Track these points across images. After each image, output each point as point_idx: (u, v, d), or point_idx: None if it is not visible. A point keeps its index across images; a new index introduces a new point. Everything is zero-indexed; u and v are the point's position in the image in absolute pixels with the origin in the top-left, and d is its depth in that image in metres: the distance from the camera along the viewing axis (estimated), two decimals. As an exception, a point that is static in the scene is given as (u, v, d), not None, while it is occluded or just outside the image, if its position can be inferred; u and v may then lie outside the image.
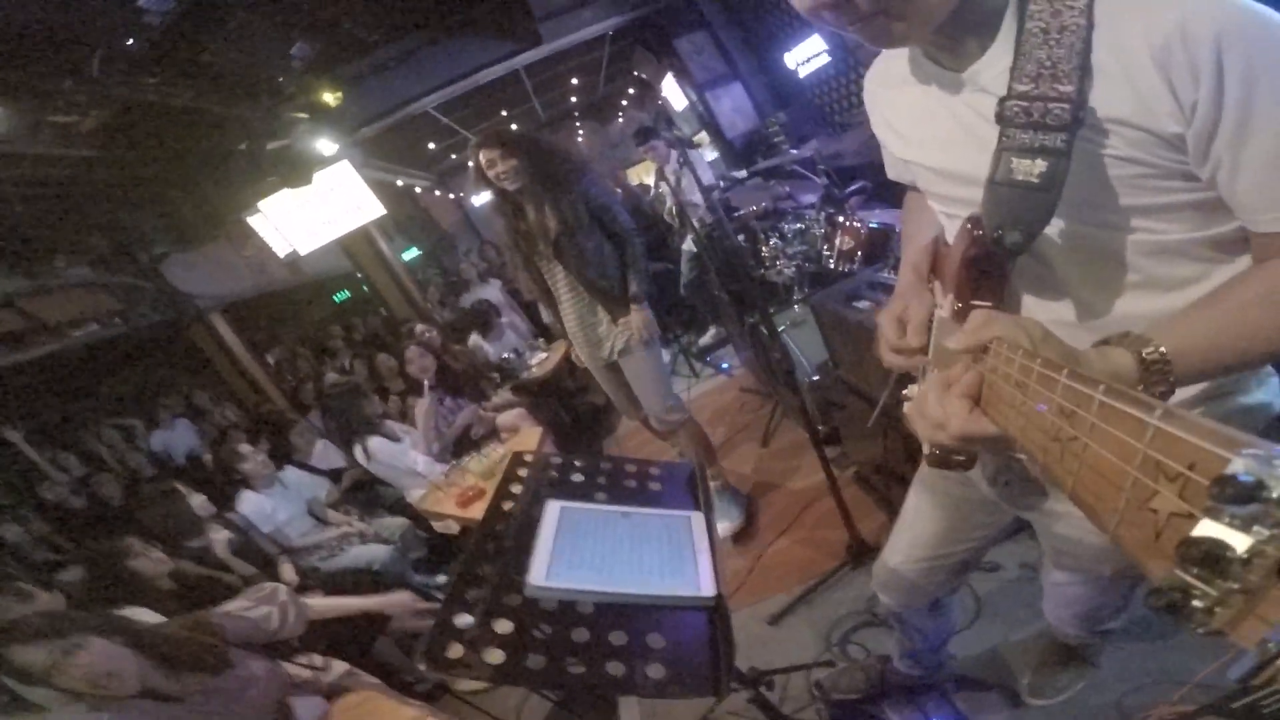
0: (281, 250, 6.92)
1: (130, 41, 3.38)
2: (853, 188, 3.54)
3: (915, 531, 1.21)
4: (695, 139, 7.13)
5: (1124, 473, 0.33)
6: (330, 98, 5.57)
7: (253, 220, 6.69)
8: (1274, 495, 0.25)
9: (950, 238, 0.86)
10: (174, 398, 6.10)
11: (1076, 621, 1.27)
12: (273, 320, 8.21)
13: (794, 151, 3.84)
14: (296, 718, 1.82)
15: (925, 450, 0.81)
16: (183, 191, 6.00)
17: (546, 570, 1.01)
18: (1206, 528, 0.27)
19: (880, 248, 2.70)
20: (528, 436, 3.76)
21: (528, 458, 1.41)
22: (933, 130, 0.81)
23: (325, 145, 6.21)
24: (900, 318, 0.90)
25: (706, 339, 5.05)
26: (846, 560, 2.09)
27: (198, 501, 3.24)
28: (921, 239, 0.96)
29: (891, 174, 1.02)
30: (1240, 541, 0.25)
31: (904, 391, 0.92)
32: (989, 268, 0.74)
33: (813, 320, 2.81)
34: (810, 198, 3.49)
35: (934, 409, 0.62)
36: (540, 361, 5.07)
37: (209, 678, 1.66)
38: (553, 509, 1.15)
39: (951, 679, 1.59)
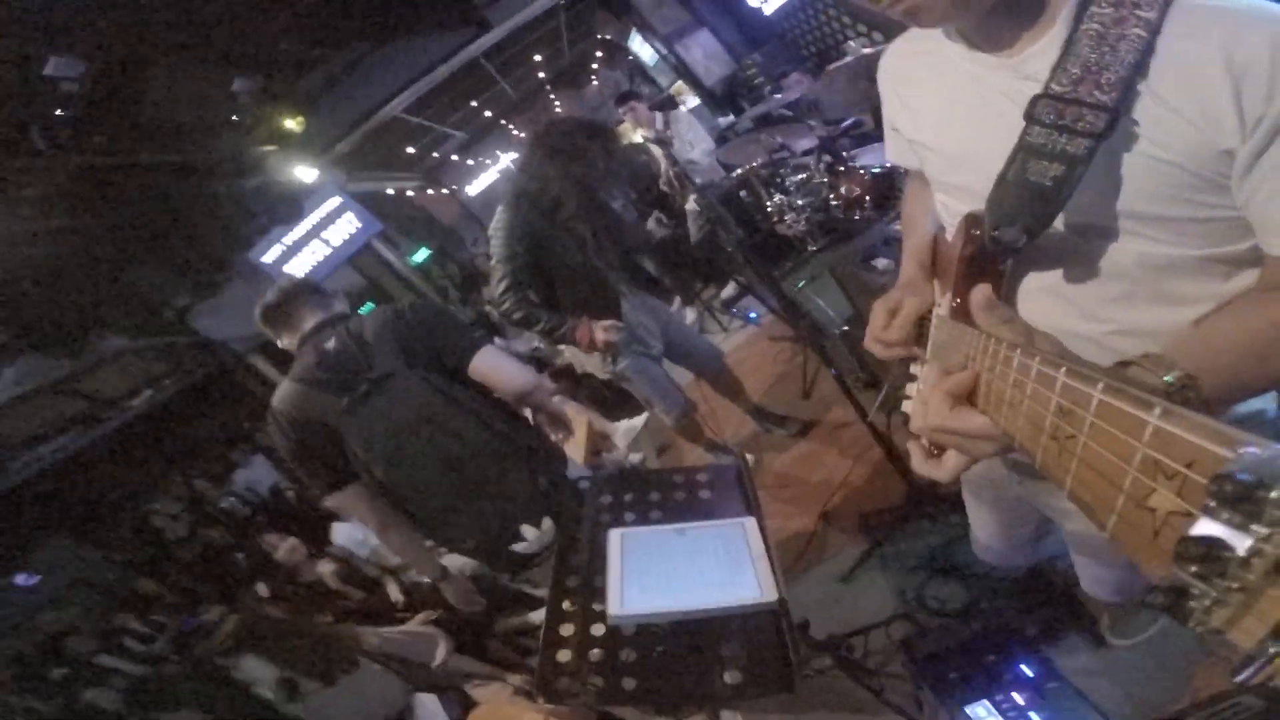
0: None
1: (59, 111, 3.39)
2: (846, 123, 3.50)
3: (979, 526, 1.32)
4: (673, 90, 6.96)
5: (1122, 471, 0.33)
6: (292, 123, 5.49)
7: (259, 259, 6.81)
8: (1273, 494, 0.24)
9: (950, 234, 0.86)
10: (242, 437, 6.43)
11: (1111, 594, 1.28)
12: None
13: (778, 96, 3.78)
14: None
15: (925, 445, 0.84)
16: (182, 242, 6.09)
17: (620, 599, 1.08)
18: (1205, 526, 0.27)
19: (887, 192, 2.71)
20: (575, 429, 3.87)
21: (582, 484, 1.47)
22: (957, 114, 0.79)
23: (304, 171, 6.20)
24: (892, 309, 0.90)
25: (728, 291, 5.07)
26: (908, 509, 2.09)
27: (291, 544, 3.48)
28: (923, 226, 0.97)
29: (892, 156, 1.00)
30: (1239, 540, 0.25)
31: (903, 391, 0.92)
32: (986, 267, 0.75)
33: (828, 275, 2.85)
34: (805, 143, 3.47)
35: (924, 397, 0.65)
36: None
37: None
38: (614, 538, 1.20)
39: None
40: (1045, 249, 0.74)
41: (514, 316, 2.28)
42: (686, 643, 1.06)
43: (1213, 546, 0.26)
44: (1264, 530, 0.24)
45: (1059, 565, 1.61)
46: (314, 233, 7.09)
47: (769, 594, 1.07)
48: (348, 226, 7.19)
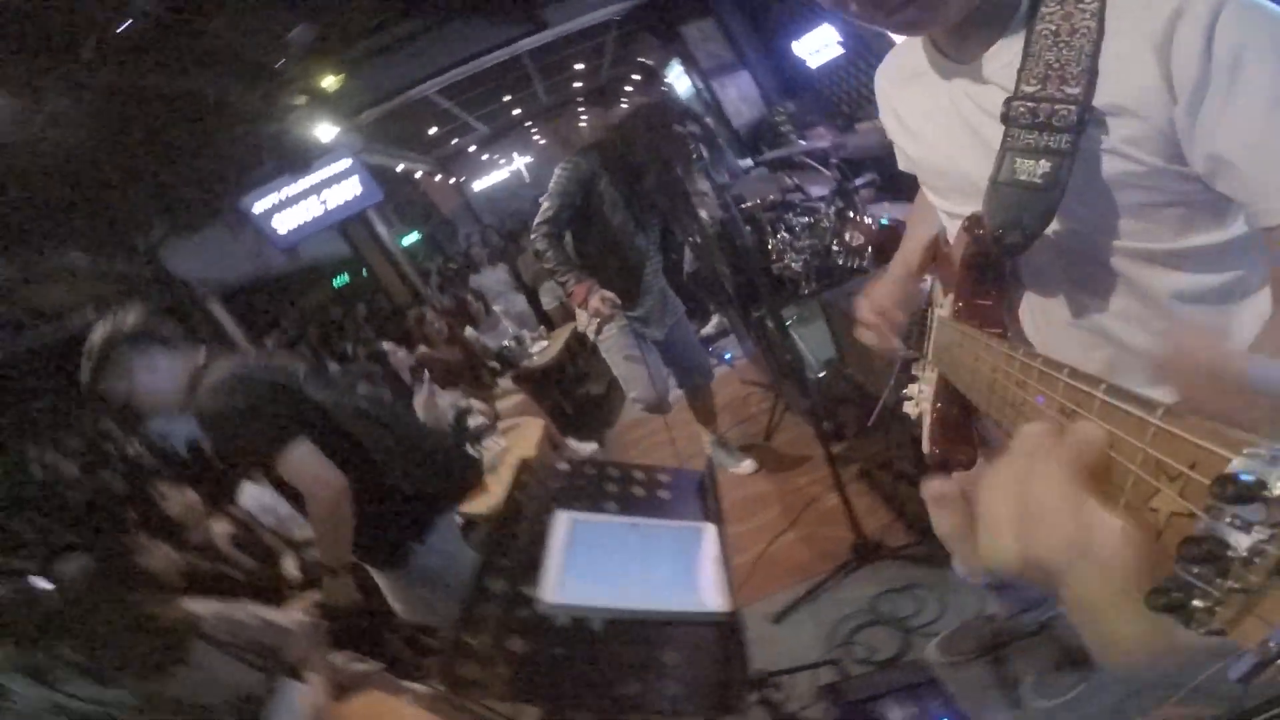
0: (279, 237, 6.89)
1: (123, 26, 3.33)
2: (861, 180, 3.50)
3: None
4: (698, 126, 7.06)
5: (1125, 472, 0.33)
6: (331, 81, 5.47)
7: (250, 206, 6.65)
8: (1275, 494, 0.24)
9: (951, 238, 0.87)
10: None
11: None
12: (272, 305, 8.16)
13: (803, 143, 3.80)
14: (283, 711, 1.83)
15: (925, 449, 0.82)
16: (178, 176, 5.93)
17: (558, 587, 0.99)
18: (1208, 527, 0.26)
19: (891, 245, 2.67)
20: (529, 429, 3.72)
21: (532, 461, 1.39)
22: (938, 124, 0.81)
23: (324, 130, 6.14)
24: (874, 299, 0.94)
25: (709, 329, 5.01)
26: (851, 559, 2.07)
27: (189, 499, 3.18)
28: (922, 234, 0.97)
29: (902, 166, 1.02)
30: (1241, 541, 0.25)
31: (904, 391, 0.91)
32: (988, 268, 0.74)
33: (819, 316, 2.80)
34: (819, 190, 3.45)
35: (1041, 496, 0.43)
36: (542, 350, 5.05)
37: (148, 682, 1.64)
38: (562, 521, 1.12)
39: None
40: (1042, 247, 0.74)
41: (538, 245, 2.33)
42: (625, 644, 0.95)
43: (1215, 547, 0.26)
44: (1266, 531, 0.24)
45: (1004, 610, 1.60)
46: (313, 191, 6.95)
47: (721, 605, 1.00)
48: (348, 191, 7.06)
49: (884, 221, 2.74)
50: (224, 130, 5.42)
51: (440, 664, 0.92)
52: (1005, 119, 0.68)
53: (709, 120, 4.38)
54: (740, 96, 6.05)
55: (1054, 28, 0.65)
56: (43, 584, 2.67)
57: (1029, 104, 0.66)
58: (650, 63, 8.39)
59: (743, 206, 3.73)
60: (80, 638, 1.67)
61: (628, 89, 10.57)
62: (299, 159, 6.61)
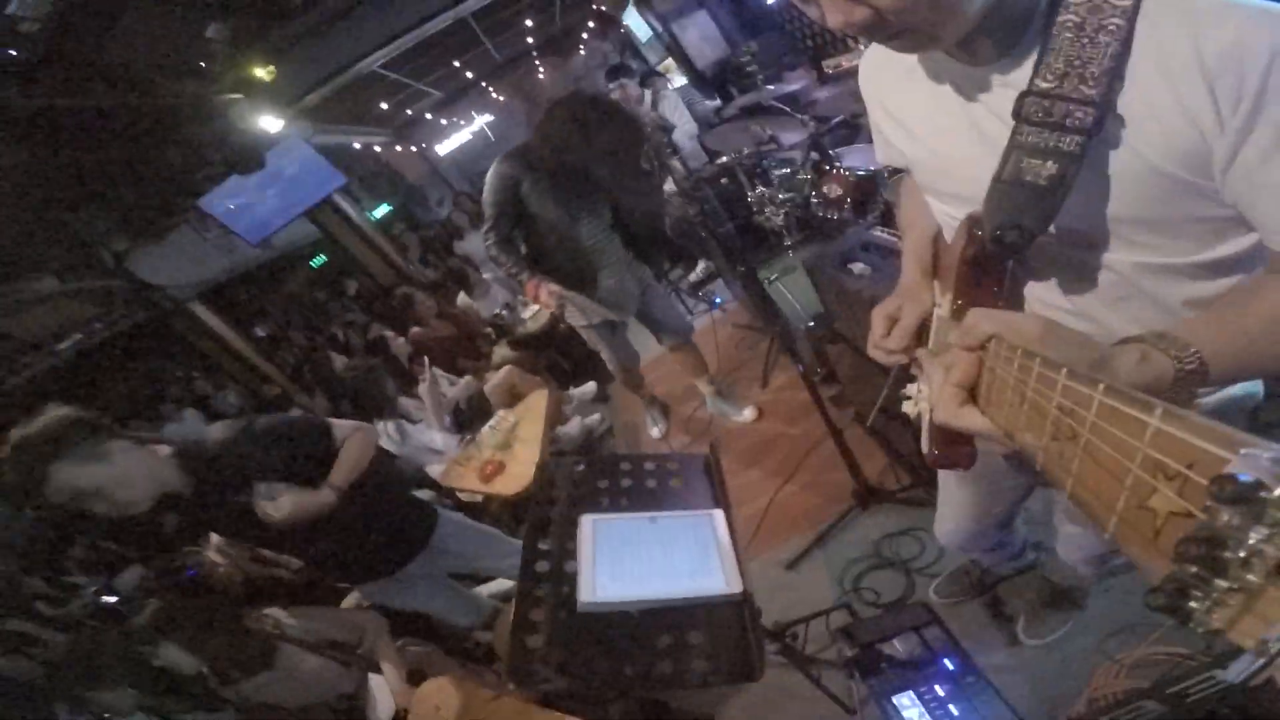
0: (247, 231, 6.77)
1: (13, 52, 3.15)
2: (834, 121, 3.50)
3: (954, 501, 1.27)
4: (660, 68, 6.86)
5: (1124, 471, 0.33)
6: (262, 73, 5.24)
7: (211, 206, 6.48)
8: (1273, 495, 0.24)
9: (949, 236, 0.86)
10: (175, 389, 6.10)
11: (1087, 563, 1.36)
12: (254, 297, 8.09)
13: (770, 87, 3.76)
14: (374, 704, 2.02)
15: (925, 449, 0.84)
16: (129, 187, 5.76)
17: (592, 587, 1.10)
18: (1205, 527, 0.27)
19: (868, 195, 2.73)
20: (535, 400, 3.81)
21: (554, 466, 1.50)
22: (940, 125, 0.78)
23: (269, 122, 5.92)
24: (891, 316, 0.90)
25: (696, 274, 5.05)
26: (854, 504, 2.17)
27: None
28: (923, 227, 0.96)
29: (881, 158, 0.98)
30: (1239, 541, 0.25)
31: (903, 391, 0.92)
32: (988, 267, 0.74)
33: (801, 269, 2.86)
34: (793, 137, 3.45)
35: (933, 392, 0.65)
36: (534, 314, 5.10)
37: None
38: (586, 525, 1.21)
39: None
40: (1045, 252, 0.73)
41: (491, 251, 2.48)
42: (656, 630, 1.08)
43: (1213, 547, 0.26)
44: (1264, 531, 0.25)
45: (987, 563, 1.68)
46: (271, 182, 6.78)
47: (734, 586, 1.12)
48: (308, 179, 6.92)
49: (861, 173, 2.79)
50: (164, 137, 5.24)
51: (509, 667, 1.05)
52: (1016, 115, 0.66)
53: (636, 83, 4.28)
54: (702, 37, 5.87)
55: (1078, 21, 0.62)
56: (109, 599, 2.85)
57: (1043, 101, 0.64)
58: (604, 8, 8.06)
59: (720, 160, 3.73)
60: (189, 641, 1.84)
61: (584, 35, 10.14)
62: (249, 153, 6.41)
